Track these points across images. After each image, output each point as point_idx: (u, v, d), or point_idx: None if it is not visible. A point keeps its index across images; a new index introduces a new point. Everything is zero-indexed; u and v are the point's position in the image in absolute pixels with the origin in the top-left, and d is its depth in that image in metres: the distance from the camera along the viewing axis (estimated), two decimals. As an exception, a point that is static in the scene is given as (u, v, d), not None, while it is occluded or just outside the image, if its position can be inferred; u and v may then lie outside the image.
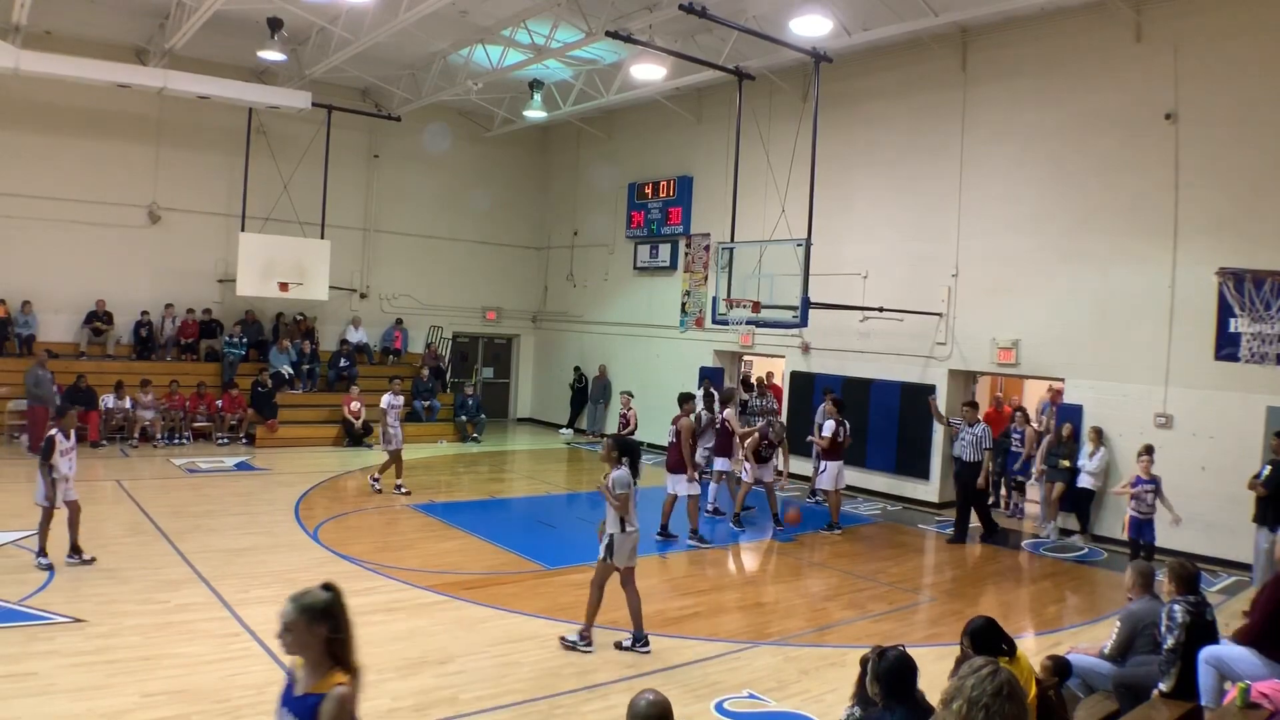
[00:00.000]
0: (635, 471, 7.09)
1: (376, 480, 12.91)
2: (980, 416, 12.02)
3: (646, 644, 7.13)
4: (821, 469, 12.44)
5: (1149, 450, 10.28)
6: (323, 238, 18.20)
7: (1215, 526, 10.79)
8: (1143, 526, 10.11)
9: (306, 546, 9.89)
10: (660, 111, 18.51)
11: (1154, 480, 10.03)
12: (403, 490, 12.75)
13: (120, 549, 8.58)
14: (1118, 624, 5.87)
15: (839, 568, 10.34)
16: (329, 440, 17.06)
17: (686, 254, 18.66)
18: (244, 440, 16.52)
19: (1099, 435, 11.89)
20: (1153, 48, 11.76)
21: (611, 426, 20.17)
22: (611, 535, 7.01)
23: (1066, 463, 12.03)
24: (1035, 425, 13.56)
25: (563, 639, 7.16)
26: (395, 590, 8.44)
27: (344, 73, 17.14)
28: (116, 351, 17.00)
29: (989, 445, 11.69)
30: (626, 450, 7.09)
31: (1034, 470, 12.66)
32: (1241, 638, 5.59)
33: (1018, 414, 13.70)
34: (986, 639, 4.62)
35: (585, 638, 7.10)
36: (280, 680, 3.14)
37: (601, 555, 7.07)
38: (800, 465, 14.61)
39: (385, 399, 13.03)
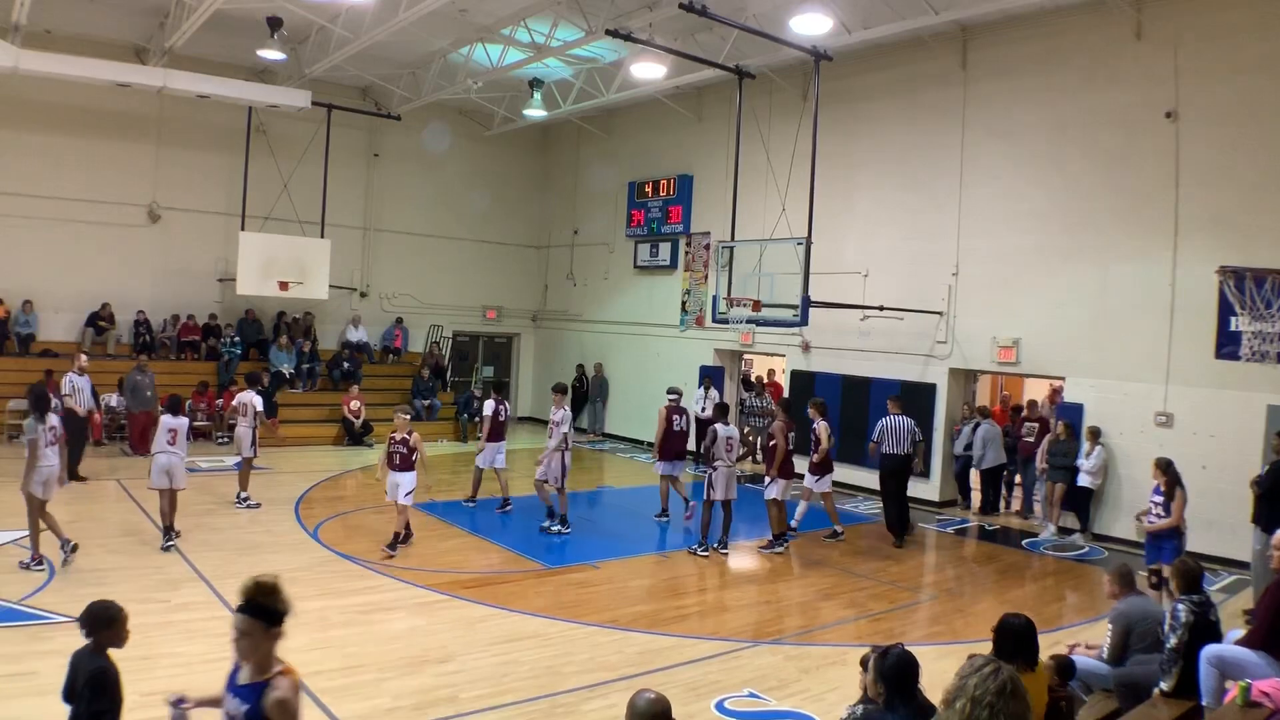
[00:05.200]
0: (42, 418, 8.36)
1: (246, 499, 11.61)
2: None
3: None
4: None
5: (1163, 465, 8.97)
6: (323, 237, 18.19)
7: (1215, 525, 10.76)
8: (1160, 545, 8.62)
9: (307, 546, 9.90)
10: (660, 110, 18.50)
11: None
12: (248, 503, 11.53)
13: (120, 548, 8.59)
14: (1110, 627, 5.83)
15: (839, 566, 10.33)
16: (329, 439, 17.05)
17: (686, 253, 18.65)
18: (244, 439, 16.49)
19: (1095, 434, 11.88)
20: (1153, 46, 11.75)
21: (612, 425, 20.19)
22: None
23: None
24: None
25: (22, 562, 8.15)
26: (395, 589, 8.45)
27: (344, 71, 17.13)
28: (117, 351, 17.00)
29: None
30: (37, 404, 8.47)
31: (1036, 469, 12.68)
32: (1246, 643, 5.57)
33: (1062, 424, 12.26)
34: (1010, 641, 4.36)
35: (37, 559, 8.15)
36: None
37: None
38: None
39: (252, 397, 11.59)
